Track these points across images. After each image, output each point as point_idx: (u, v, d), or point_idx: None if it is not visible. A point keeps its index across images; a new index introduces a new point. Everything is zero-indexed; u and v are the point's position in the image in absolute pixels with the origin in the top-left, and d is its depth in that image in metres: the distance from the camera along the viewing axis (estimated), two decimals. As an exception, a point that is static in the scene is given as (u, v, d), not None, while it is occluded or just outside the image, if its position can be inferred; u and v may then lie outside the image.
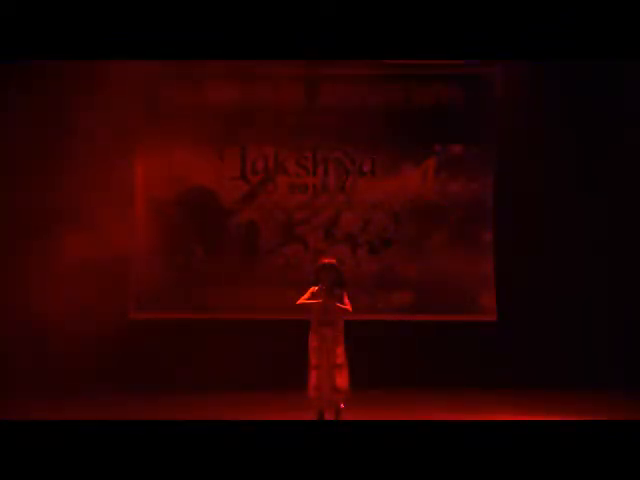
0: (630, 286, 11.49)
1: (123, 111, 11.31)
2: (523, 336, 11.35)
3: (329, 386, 8.19)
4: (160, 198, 11.76)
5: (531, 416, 8.85)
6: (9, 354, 10.85)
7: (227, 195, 11.85)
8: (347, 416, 8.22)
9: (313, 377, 8.24)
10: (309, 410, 8.26)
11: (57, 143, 11.17)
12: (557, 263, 11.49)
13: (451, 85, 11.83)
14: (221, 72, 11.69)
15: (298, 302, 8.34)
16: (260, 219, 11.86)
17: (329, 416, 8.25)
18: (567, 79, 11.43)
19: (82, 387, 10.58)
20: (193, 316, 11.57)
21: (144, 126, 11.63)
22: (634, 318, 11.41)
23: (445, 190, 11.87)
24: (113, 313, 11.12)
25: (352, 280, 9.51)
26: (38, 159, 11.19)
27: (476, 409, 9.53)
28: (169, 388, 10.74)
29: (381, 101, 11.79)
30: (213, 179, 11.86)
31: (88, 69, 10.81)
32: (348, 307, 8.29)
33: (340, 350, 8.26)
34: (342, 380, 8.20)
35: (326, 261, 8.49)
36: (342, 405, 8.23)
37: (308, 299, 8.32)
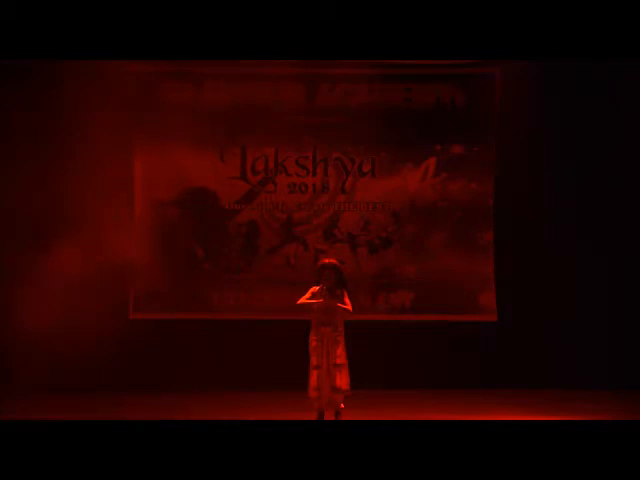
0: (630, 286, 11.49)
1: (123, 111, 11.31)
2: (523, 336, 11.34)
3: (329, 386, 8.19)
4: (160, 198, 11.76)
5: (531, 416, 8.84)
6: (8, 354, 10.86)
7: (227, 195, 11.84)
8: (347, 416, 8.22)
9: (313, 377, 8.24)
10: (309, 410, 8.27)
11: (57, 143, 11.18)
12: (557, 263, 11.49)
13: (451, 85, 11.82)
14: (221, 72, 11.69)
15: (298, 302, 8.34)
16: (260, 219, 11.86)
17: (329, 416, 8.25)
18: (567, 79, 11.42)
19: (82, 387, 10.58)
20: (193, 316, 11.56)
21: (144, 126, 11.62)
22: (634, 318, 11.41)
23: (445, 190, 11.86)
24: (113, 313, 11.12)
25: (352, 280, 9.49)
26: (38, 159, 11.18)
27: (476, 409, 9.54)
28: (169, 388, 10.74)
29: (381, 101, 11.78)
30: (213, 179, 11.84)
31: (88, 69, 10.82)
32: (349, 307, 8.29)
33: (340, 350, 8.26)
34: (342, 380, 8.20)
35: (326, 261, 8.50)
36: (342, 405, 8.24)
37: (308, 299, 8.32)
